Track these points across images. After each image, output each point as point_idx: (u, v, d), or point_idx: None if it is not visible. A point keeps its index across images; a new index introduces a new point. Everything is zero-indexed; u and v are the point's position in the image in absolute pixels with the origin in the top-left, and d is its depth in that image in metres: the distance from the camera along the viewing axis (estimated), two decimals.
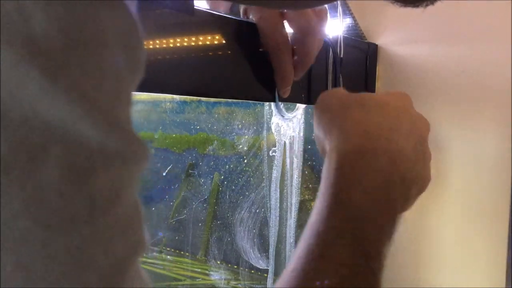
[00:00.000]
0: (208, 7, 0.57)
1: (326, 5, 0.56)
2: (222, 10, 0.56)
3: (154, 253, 1.00)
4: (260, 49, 0.55)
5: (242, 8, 0.57)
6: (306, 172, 0.88)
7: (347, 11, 0.82)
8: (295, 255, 0.35)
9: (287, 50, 0.53)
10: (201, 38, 0.50)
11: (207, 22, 0.50)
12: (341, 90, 0.47)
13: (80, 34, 0.19)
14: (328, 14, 0.56)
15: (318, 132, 0.45)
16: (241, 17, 0.57)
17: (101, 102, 0.20)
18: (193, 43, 0.49)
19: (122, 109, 0.21)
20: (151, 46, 0.45)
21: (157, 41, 0.45)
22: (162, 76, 0.46)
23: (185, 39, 0.49)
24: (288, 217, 0.88)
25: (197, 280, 0.96)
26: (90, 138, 0.19)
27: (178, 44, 0.48)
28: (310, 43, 0.54)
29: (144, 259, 1.00)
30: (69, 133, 0.18)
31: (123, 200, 0.21)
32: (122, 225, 0.21)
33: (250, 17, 0.55)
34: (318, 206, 0.37)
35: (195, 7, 0.46)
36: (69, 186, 0.19)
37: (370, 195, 0.37)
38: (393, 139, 0.41)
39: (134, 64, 0.23)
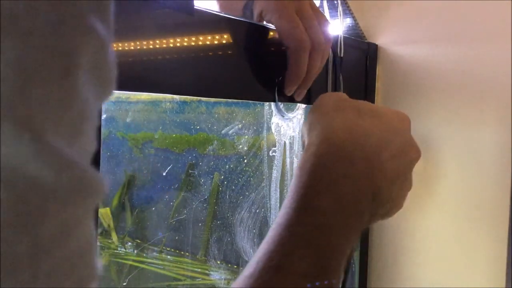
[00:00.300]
0: (218, 9, 0.57)
1: (330, 24, 0.56)
2: (234, 13, 0.56)
3: (154, 253, 1.00)
4: (264, 49, 0.55)
5: (256, 10, 0.57)
6: None
7: (347, 11, 0.82)
8: (255, 258, 0.33)
9: (306, 49, 0.52)
10: (201, 38, 0.50)
11: (207, 22, 0.50)
12: (342, 94, 0.46)
13: (39, 66, 0.18)
14: (332, 34, 0.57)
15: (304, 126, 0.43)
16: (255, 19, 0.57)
17: (57, 138, 0.19)
18: (193, 43, 0.49)
19: (82, 138, 0.21)
20: (151, 46, 0.45)
21: (157, 41, 0.45)
22: (162, 76, 0.46)
23: (185, 39, 0.49)
24: None
25: (197, 280, 0.96)
26: (41, 179, 0.18)
27: (178, 44, 0.48)
28: (315, 59, 0.54)
29: (144, 259, 1.00)
30: (18, 175, 0.18)
31: (74, 236, 0.20)
32: (70, 262, 0.20)
33: (267, 18, 0.55)
34: (286, 206, 0.35)
35: (195, 7, 0.46)
36: (12, 232, 0.18)
37: (340, 204, 0.35)
38: (377, 151, 0.39)
39: (102, 91, 0.22)
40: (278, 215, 0.35)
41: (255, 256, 0.33)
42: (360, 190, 0.37)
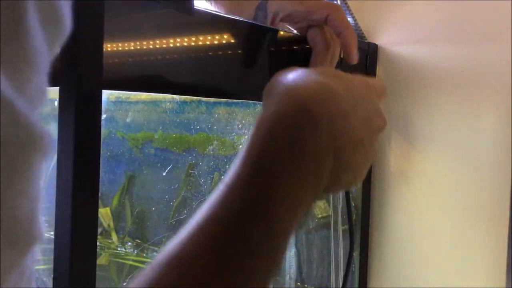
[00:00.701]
0: (225, 11, 0.57)
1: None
2: (243, 14, 0.56)
3: (154, 253, 0.99)
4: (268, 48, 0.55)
5: (271, 10, 0.57)
6: None
7: (347, 11, 0.82)
8: (194, 220, 0.29)
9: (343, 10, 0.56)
10: (201, 38, 0.50)
11: (207, 22, 0.50)
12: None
13: None
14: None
15: (263, 98, 0.38)
16: (269, 19, 0.57)
17: None
18: (193, 43, 0.49)
19: (26, 88, 0.19)
20: (151, 46, 0.45)
21: (158, 41, 0.45)
22: (162, 76, 0.46)
23: (185, 39, 0.49)
24: None
25: None
26: None
27: (178, 44, 0.48)
28: (349, 38, 0.55)
29: (144, 259, 1.00)
30: None
31: (10, 192, 0.18)
32: (4, 221, 0.18)
33: (284, 14, 0.56)
34: (236, 166, 0.31)
35: (195, 7, 0.46)
36: None
37: (296, 164, 0.32)
38: (342, 114, 0.36)
39: (50, 35, 0.21)
40: (226, 175, 0.31)
41: (194, 219, 0.30)
42: (321, 152, 0.33)
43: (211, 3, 0.56)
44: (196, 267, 0.27)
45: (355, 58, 0.57)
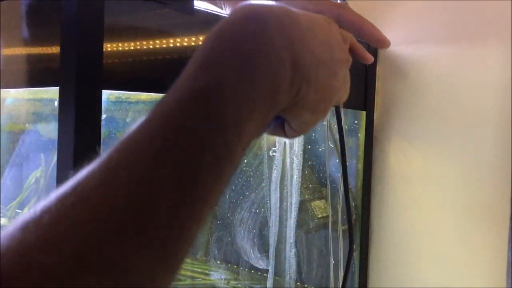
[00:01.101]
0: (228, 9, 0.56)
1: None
2: None
3: None
4: None
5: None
6: (306, 172, 0.88)
7: None
8: (148, 116, 0.29)
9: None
10: (201, 38, 0.50)
11: (207, 22, 0.50)
12: None
13: None
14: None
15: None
16: None
17: None
18: (193, 43, 0.49)
19: None
20: (151, 46, 0.45)
21: (158, 41, 0.46)
22: (162, 76, 0.46)
23: (185, 39, 0.49)
24: (288, 217, 0.88)
25: (197, 280, 0.96)
26: None
27: (178, 44, 0.48)
28: (371, 29, 0.54)
29: None
30: None
31: None
32: None
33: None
34: (188, 64, 0.31)
35: (195, 7, 0.46)
36: None
37: (246, 68, 0.31)
38: (299, 31, 0.35)
39: None
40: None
41: (140, 120, 0.29)
42: (273, 55, 0.32)
43: (223, 6, 0.56)
44: (135, 160, 0.27)
45: (386, 41, 0.56)
